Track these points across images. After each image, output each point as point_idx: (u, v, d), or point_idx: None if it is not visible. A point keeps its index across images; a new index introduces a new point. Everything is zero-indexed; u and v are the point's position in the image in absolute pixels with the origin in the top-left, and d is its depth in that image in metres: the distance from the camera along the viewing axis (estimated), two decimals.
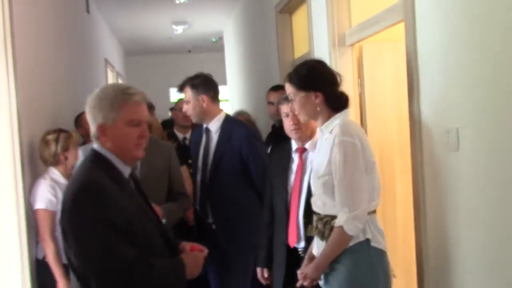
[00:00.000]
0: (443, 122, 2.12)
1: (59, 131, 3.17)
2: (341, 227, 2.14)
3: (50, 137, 3.13)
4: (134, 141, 1.96)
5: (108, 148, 1.95)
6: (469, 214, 2.00)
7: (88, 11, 6.28)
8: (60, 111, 4.08)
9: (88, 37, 6.28)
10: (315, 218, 2.30)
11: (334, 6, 3.40)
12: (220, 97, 3.37)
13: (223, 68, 10.19)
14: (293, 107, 2.33)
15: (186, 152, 3.82)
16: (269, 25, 5.40)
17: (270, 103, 4.15)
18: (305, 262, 2.36)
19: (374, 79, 3.24)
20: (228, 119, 3.34)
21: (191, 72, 3.36)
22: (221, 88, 3.55)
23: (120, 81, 9.99)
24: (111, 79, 8.49)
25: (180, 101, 4.34)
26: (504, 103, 1.76)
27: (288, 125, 2.70)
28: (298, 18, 4.76)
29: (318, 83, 2.24)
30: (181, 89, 3.32)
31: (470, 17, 1.92)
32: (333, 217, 2.18)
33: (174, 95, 11.67)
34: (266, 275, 2.87)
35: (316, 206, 2.30)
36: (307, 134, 2.66)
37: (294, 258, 2.60)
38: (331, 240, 2.18)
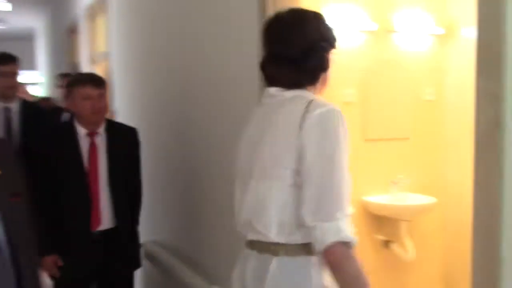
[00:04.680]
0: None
1: None
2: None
3: None
4: None
5: None
6: None
7: None
8: None
9: None
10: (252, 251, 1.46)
11: (90, 37, 5.87)
12: None
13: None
14: None
15: None
16: (64, 38, 7.67)
17: (60, 86, 4.95)
18: None
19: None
20: None
21: None
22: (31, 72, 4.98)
23: None
24: None
25: None
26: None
27: (91, 108, 2.52)
28: (80, 39, 6.89)
29: None
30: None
31: (135, 59, 4.38)
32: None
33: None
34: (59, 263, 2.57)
35: (270, 230, 1.41)
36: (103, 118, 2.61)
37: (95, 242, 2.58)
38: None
